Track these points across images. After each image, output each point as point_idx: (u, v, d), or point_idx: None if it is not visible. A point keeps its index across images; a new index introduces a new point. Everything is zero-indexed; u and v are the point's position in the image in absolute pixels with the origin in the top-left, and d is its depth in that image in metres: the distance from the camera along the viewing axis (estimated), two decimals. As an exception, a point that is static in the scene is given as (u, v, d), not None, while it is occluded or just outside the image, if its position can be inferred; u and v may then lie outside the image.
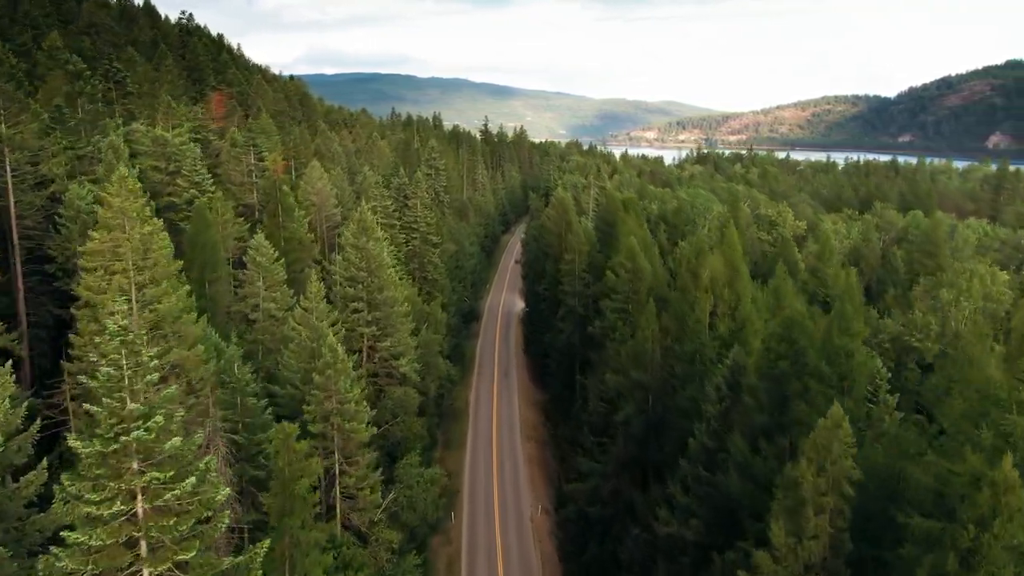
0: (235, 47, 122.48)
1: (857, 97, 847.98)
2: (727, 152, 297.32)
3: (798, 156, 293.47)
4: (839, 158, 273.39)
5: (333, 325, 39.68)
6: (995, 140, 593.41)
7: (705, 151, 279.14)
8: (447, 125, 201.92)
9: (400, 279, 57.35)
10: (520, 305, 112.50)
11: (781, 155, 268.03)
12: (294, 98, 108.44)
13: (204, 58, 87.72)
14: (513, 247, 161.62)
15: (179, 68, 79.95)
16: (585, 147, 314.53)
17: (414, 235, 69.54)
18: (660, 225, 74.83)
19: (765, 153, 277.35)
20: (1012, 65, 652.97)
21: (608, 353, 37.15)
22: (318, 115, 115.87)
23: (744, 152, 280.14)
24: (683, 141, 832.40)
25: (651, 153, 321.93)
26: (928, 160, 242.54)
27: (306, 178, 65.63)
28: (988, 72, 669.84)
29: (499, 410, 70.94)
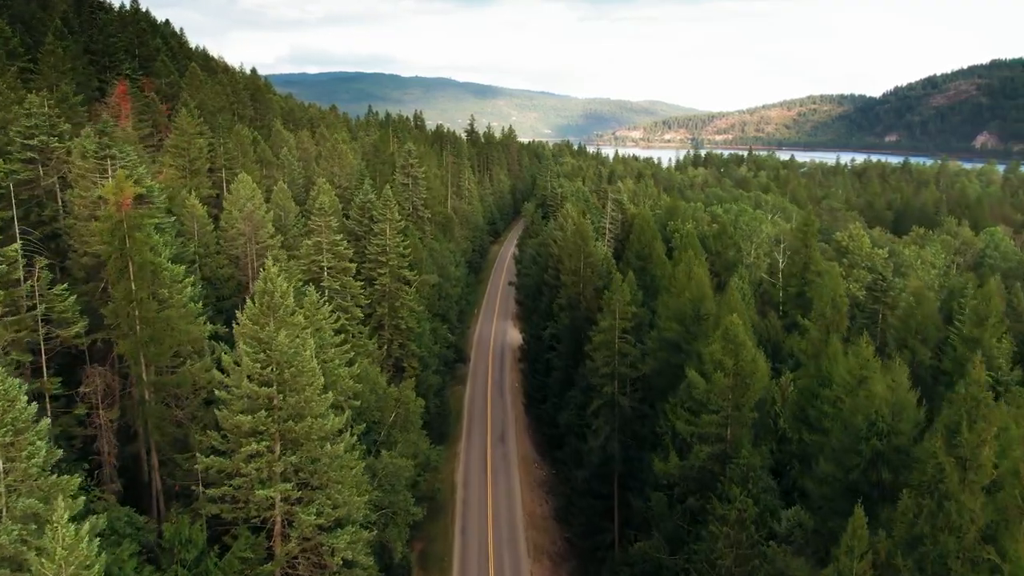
0: (178, 31, 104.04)
1: (843, 97, 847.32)
2: (726, 153, 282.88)
3: (801, 157, 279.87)
4: (832, 158, 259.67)
5: (227, 477, 22.54)
6: (982, 140, 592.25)
7: (703, 152, 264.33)
8: (430, 125, 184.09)
9: (356, 340, 40.30)
10: (515, 336, 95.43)
11: (784, 156, 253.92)
12: (244, 92, 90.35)
13: (117, 39, 69.49)
14: (504, 260, 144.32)
15: (77, 51, 61.85)
16: (575, 147, 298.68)
17: (382, 271, 52.38)
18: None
19: (766, 154, 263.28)
20: (997, 65, 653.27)
21: (719, 548, 20.50)
22: (274, 113, 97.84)
23: (744, 153, 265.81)
24: (669, 141, 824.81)
25: (636, 153, 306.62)
26: (937, 162, 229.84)
27: (231, 198, 48.18)
28: (973, 72, 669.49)
29: (495, 498, 53.85)
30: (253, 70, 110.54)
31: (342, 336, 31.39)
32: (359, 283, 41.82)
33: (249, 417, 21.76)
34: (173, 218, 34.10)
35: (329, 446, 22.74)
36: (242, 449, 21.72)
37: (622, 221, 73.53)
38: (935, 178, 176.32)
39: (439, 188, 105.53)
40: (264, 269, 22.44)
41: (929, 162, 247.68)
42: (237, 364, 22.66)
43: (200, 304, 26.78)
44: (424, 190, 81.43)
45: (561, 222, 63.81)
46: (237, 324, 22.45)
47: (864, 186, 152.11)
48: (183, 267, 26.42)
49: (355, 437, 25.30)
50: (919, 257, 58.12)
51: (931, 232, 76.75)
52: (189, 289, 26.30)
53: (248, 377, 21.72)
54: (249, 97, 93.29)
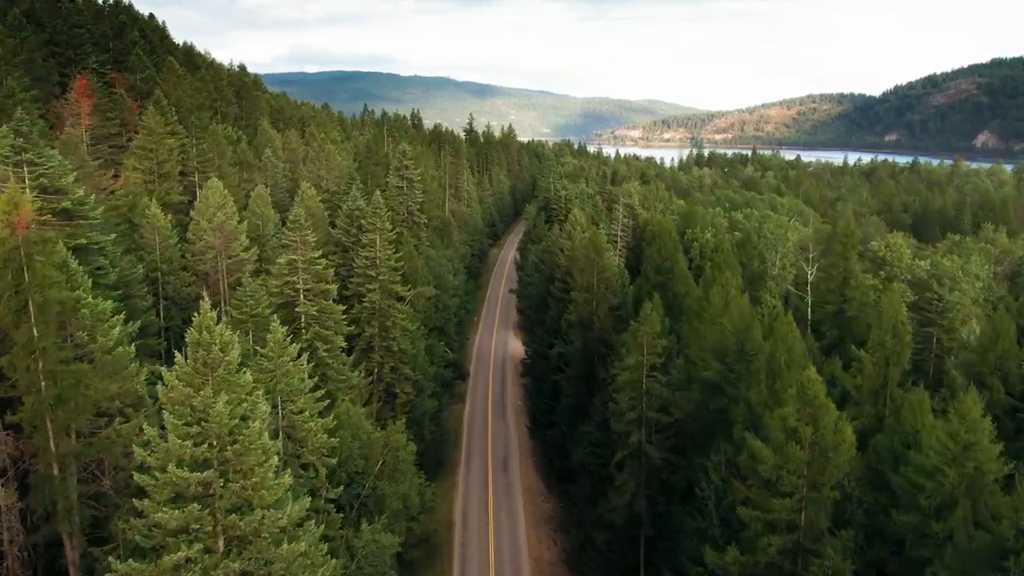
0: (161, 24, 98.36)
1: (842, 96, 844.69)
2: (730, 153, 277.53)
3: (803, 156, 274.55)
4: (831, 157, 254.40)
5: None
6: (983, 139, 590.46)
7: (705, 152, 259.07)
8: (428, 124, 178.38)
9: (337, 373, 34.91)
10: (517, 347, 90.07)
11: (789, 155, 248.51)
12: (228, 89, 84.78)
13: (84, 31, 63.93)
14: (504, 263, 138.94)
15: (37, 43, 56.33)
16: (575, 147, 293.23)
17: (372, 287, 46.92)
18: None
19: (770, 153, 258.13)
20: (997, 64, 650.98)
21: None
22: (262, 111, 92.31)
23: (747, 152, 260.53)
24: (668, 140, 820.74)
25: (636, 152, 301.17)
26: (946, 162, 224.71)
27: (199, 206, 42.74)
28: (974, 70, 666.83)
29: (497, 540, 48.39)
30: (240, 66, 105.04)
31: (315, 378, 26.04)
32: (341, 307, 36.17)
33: (178, 512, 16.32)
34: (113, 235, 28.65)
35: (286, 544, 17.32)
36: (167, 556, 16.27)
37: (633, 228, 68.20)
38: (947, 178, 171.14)
39: (436, 191, 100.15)
40: (199, 312, 16.99)
41: (935, 162, 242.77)
42: (163, 434, 17.20)
43: (133, 348, 21.33)
44: (420, 193, 76.05)
45: (568, 230, 58.44)
46: (164, 385, 17.02)
47: (876, 187, 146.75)
48: (110, 302, 20.96)
49: (324, 524, 19.91)
50: (962, 269, 52.97)
51: (967, 239, 71.23)
52: (117, 329, 20.85)
53: (177, 460, 16.28)
54: (234, 94, 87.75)
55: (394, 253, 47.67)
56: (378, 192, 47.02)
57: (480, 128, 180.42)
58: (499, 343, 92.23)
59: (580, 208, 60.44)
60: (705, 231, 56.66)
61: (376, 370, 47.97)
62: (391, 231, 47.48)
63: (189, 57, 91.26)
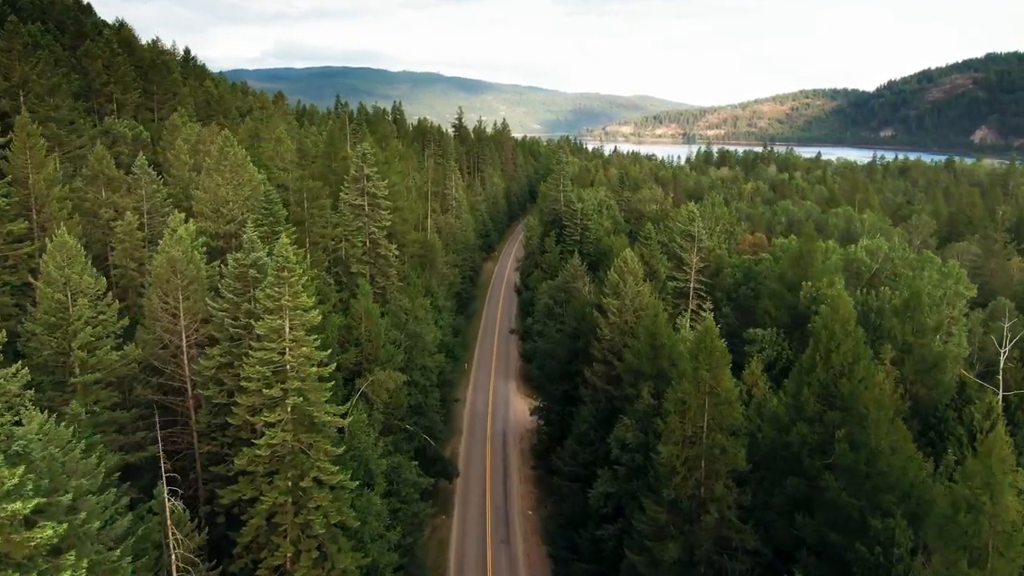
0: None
1: (835, 91, 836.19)
2: (741, 151, 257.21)
3: (803, 152, 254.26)
4: (830, 153, 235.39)
5: None
6: (981, 135, 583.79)
7: (714, 149, 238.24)
8: (412, 119, 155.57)
9: None
10: (521, 409, 68.13)
11: (807, 153, 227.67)
12: (125, 67, 61.68)
13: None
14: (501, 283, 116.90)
15: None
16: (571, 143, 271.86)
17: (274, 416, 24.98)
18: (880, 345, 31.98)
19: (786, 150, 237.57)
20: (992, 58, 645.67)
21: None
22: (181, 99, 69.33)
23: (760, 149, 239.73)
24: (660, 136, 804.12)
25: (629, 148, 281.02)
26: (1000, 162, 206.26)
27: None
28: (969, 65, 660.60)
29: None
30: (156, 40, 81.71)
31: None
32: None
33: None
34: None
35: None
36: None
37: (700, 269, 46.25)
38: (997, 179, 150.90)
39: (415, 204, 77.81)
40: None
41: (956, 159, 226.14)
42: None
43: None
44: (387, 214, 53.81)
45: (615, 281, 36.61)
46: None
47: (928, 191, 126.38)
48: None
49: None
50: None
51: None
52: None
53: None
54: (138, 76, 64.80)
55: (317, 350, 25.62)
56: (284, 238, 24.74)
57: (471, 124, 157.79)
58: (498, 403, 70.36)
59: (634, 253, 38.02)
60: (832, 281, 35.01)
61: (283, 568, 26.12)
62: (311, 310, 25.47)
63: (78, 27, 67.87)
